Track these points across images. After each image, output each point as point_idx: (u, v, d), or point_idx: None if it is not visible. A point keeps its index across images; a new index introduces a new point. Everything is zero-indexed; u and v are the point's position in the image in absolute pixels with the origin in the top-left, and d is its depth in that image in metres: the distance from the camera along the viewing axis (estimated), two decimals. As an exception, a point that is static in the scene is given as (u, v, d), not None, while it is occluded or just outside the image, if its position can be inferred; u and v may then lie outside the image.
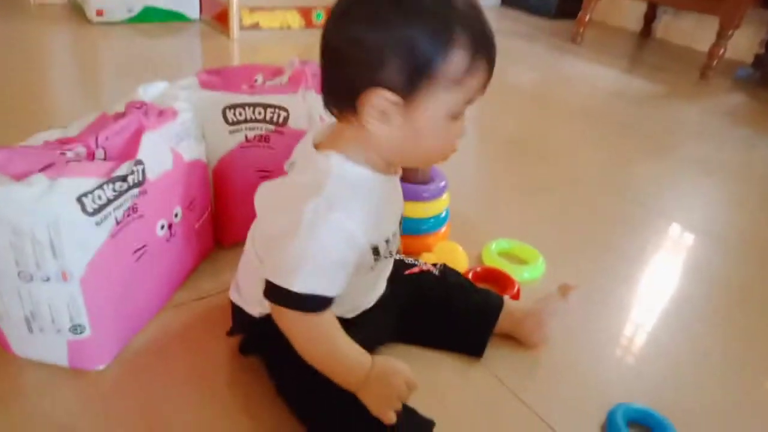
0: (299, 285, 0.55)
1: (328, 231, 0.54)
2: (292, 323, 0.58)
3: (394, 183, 0.65)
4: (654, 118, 1.91)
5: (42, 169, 0.61)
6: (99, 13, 1.95)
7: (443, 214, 0.98)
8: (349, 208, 0.56)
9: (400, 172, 0.66)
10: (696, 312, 0.95)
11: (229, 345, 0.73)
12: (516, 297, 0.88)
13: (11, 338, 0.66)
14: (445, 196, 0.97)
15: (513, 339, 0.79)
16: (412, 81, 0.52)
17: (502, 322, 0.78)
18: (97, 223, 0.62)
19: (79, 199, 0.60)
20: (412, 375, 0.58)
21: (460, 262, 0.93)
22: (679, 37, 3.08)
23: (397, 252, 0.83)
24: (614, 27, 3.31)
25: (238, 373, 0.70)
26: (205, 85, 0.87)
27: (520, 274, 0.95)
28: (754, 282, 1.05)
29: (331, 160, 0.57)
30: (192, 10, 2.15)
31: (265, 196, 0.64)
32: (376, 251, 0.61)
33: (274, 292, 0.57)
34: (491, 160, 1.49)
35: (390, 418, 0.56)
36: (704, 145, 1.72)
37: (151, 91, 0.81)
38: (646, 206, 1.28)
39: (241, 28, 2.09)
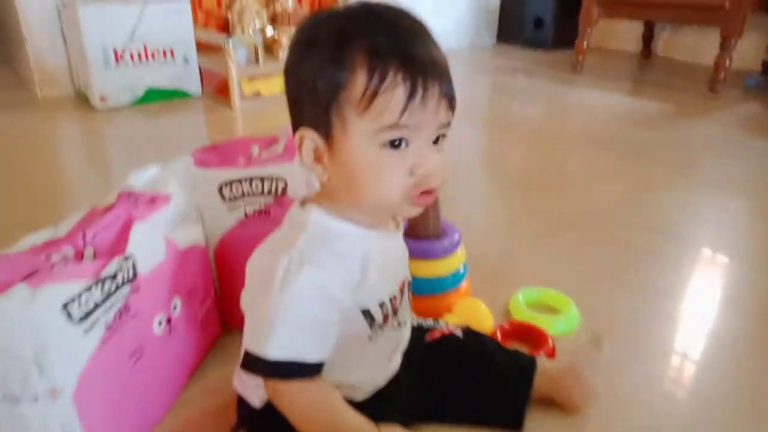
0: (275, 351, 0.52)
1: (299, 286, 0.51)
2: (285, 395, 0.54)
3: (390, 240, 0.60)
4: (667, 139, 1.85)
5: (24, 278, 0.57)
6: (103, 99, 1.98)
7: (461, 269, 0.92)
8: (323, 261, 0.52)
9: (398, 227, 0.61)
10: (746, 346, 0.86)
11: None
12: (551, 354, 0.80)
13: (4, 466, 0.61)
14: (460, 249, 0.91)
15: (551, 402, 0.71)
16: (324, 113, 0.50)
17: (538, 384, 0.70)
18: (85, 331, 0.57)
19: (65, 307, 0.56)
20: None
21: (485, 320, 0.86)
22: (681, 53, 3.05)
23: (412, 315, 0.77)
24: (613, 51, 3.30)
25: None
26: (199, 163, 0.84)
27: (554, 327, 0.87)
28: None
29: (310, 215, 0.54)
30: (193, 86, 2.18)
31: (250, 261, 0.60)
32: (368, 315, 0.56)
33: (249, 362, 0.53)
34: (505, 201, 1.43)
35: None
36: (723, 162, 1.64)
37: (144, 177, 0.78)
38: (672, 235, 1.20)
39: (243, 98, 2.10)
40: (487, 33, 3.51)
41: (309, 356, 0.53)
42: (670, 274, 1.06)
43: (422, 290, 0.85)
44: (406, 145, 0.50)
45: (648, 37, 3.10)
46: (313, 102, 0.51)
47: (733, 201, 1.40)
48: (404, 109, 0.48)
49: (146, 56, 2.02)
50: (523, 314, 0.90)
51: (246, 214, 0.83)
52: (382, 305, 0.58)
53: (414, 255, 0.73)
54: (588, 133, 1.92)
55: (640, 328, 0.90)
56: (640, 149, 1.75)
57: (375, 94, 0.48)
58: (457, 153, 1.74)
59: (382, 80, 0.47)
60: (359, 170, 0.51)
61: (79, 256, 0.65)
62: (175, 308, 0.70)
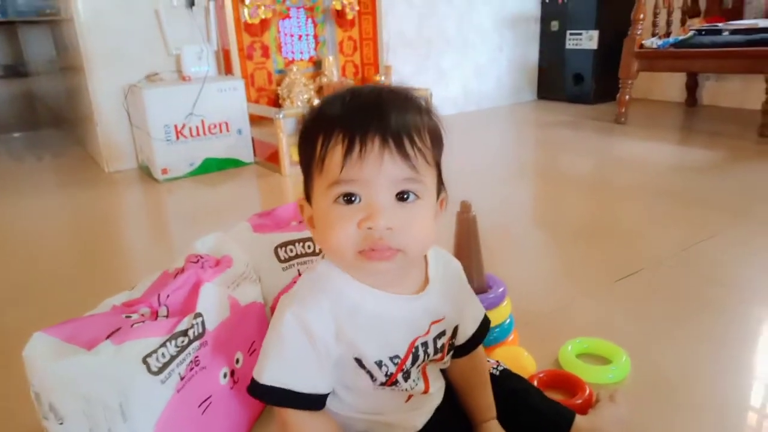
0: (266, 377, 0.57)
1: (285, 322, 0.57)
2: (287, 424, 0.58)
3: (399, 303, 0.60)
4: (721, 186, 1.83)
5: (109, 336, 0.64)
6: (164, 171, 2.14)
7: (507, 322, 0.94)
8: (313, 299, 0.57)
9: (421, 291, 0.61)
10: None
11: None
12: (588, 404, 0.80)
13: None
14: (506, 302, 0.93)
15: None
16: (308, 182, 0.59)
17: None
18: (162, 381, 0.63)
19: (144, 360, 0.62)
20: None
21: (526, 367, 0.87)
22: (728, 100, 3.03)
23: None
24: (657, 101, 3.31)
25: None
26: (257, 228, 0.92)
27: (603, 376, 0.88)
28: None
29: (321, 262, 0.61)
30: (247, 155, 2.32)
31: None
32: (364, 368, 0.59)
33: (250, 386, 0.58)
34: (558, 253, 1.44)
35: None
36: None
37: (208, 243, 0.85)
38: (732, 286, 1.17)
39: (292, 164, 2.22)
40: (528, 90, 3.60)
41: (298, 386, 0.57)
42: (733, 328, 1.02)
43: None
44: (360, 200, 0.54)
45: (692, 87, 3.10)
46: (303, 173, 0.60)
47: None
48: (342, 165, 0.53)
49: (204, 131, 2.18)
50: (571, 363, 0.90)
51: (299, 273, 0.89)
52: (380, 364, 0.59)
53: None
54: (639, 183, 1.91)
55: (693, 384, 0.87)
56: (694, 197, 1.73)
57: (324, 155, 0.54)
58: (506, 205, 1.78)
59: (328, 142, 0.54)
60: (320, 224, 0.57)
61: (155, 314, 0.71)
62: (237, 361, 0.76)
